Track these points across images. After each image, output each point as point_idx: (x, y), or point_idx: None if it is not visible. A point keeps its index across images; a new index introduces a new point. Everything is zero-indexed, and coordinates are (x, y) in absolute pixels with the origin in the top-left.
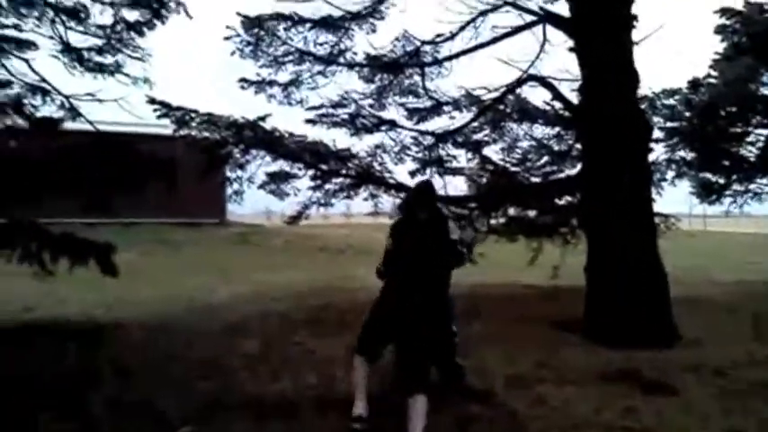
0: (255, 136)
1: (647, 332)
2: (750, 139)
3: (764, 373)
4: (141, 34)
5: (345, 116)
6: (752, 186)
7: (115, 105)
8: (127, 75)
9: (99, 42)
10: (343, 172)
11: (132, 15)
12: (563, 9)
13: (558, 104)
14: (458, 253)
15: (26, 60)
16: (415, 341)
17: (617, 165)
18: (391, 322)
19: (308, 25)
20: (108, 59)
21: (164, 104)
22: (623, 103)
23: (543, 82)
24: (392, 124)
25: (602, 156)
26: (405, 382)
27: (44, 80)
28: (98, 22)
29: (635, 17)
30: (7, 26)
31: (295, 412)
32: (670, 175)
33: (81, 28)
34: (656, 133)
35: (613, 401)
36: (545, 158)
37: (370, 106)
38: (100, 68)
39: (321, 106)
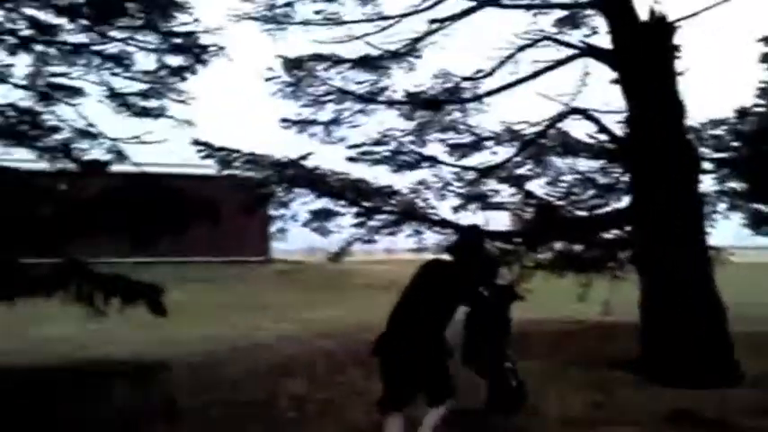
0: (297, 174)
1: (708, 371)
2: None
3: None
4: (183, 78)
5: (387, 153)
6: None
7: (160, 147)
8: (170, 117)
9: (143, 87)
10: (386, 209)
11: (175, 60)
12: (604, 41)
13: (602, 137)
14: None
15: (74, 106)
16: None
17: (667, 197)
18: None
19: (346, 65)
20: (152, 103)
21: (207, 145)
22: (670, 134)
23: (586, 114)
24: (434, 160)
25: (651, 188)
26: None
27: (91, 124)
28: (142, 68)
29: (677, 47)
30: (57, 74)
31: None
32: (721, 206)
33: (126, 74)
34: (704, 164)
35: None
36: (590, 192)
37: (411, 143)
38: (144, 112)
39: (362, 144)
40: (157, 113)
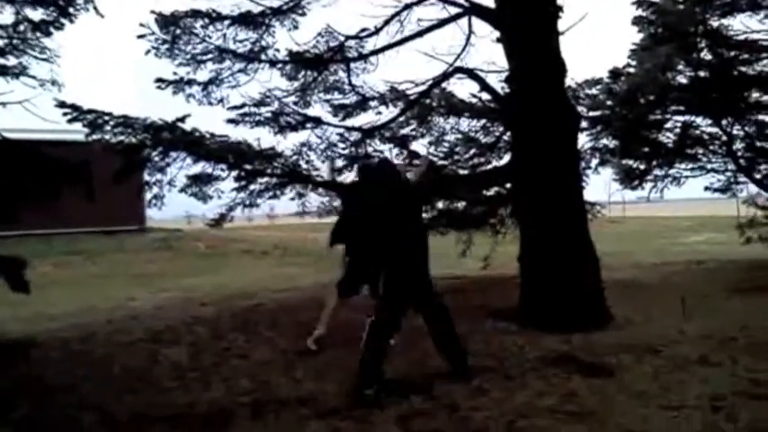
0: (174, 138)
1: (582, 315)
2: (668, 125)
3: (696, 348)
4: (48, 34)
5: (268, 114)
6: (671, 171)
7: (22, 110)
8: (33, 77)
9: (0, 43)
10: (269, 171)
11: (36, 14)
12: (488, 0)
13: (485, 96)
14: None
15: None
16: None
17: (546, 154)
18: None
19: (226, 22)
20: (11, 61)
21: (74, 107)
22: (551, 93)
23: (470, 73)
24: (317, 121)
25: (531, 145)
26: None
27: None
28: None
29: (560, 7)
30: None
31: (229, 421)
32: (594, 162)
33: None
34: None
35: (554, 386)
36: (472, 151)
37: (295, 103)
38: (2, 71)
39: (243, 105)
40: (17, 72)
